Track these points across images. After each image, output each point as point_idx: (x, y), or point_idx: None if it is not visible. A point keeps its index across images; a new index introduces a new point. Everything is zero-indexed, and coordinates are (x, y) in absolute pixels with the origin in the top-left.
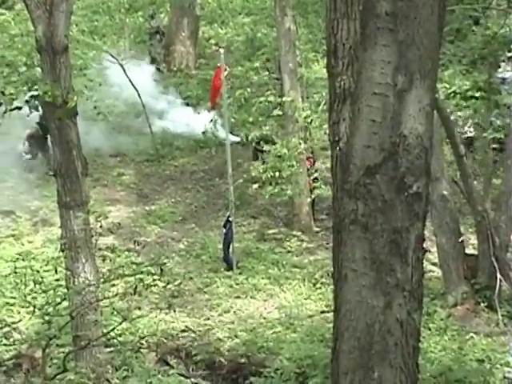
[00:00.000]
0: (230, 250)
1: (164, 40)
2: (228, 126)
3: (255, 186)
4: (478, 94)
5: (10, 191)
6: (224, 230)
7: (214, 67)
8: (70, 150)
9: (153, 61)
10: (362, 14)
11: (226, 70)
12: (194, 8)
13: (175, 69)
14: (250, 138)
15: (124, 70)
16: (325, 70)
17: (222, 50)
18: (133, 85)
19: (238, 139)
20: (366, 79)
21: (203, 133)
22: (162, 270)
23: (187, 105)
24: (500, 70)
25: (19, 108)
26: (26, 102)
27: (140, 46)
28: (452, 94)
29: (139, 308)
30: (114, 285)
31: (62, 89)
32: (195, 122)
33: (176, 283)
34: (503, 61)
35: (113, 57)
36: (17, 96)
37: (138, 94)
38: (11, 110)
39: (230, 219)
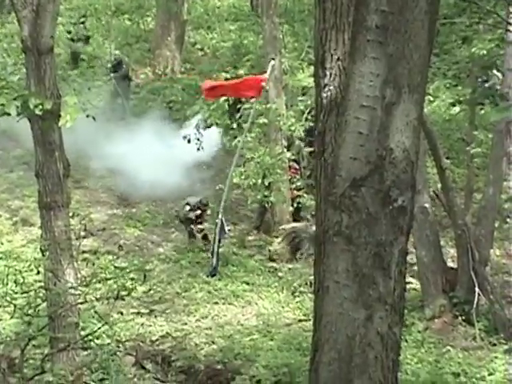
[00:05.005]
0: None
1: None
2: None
3: (236, 192)
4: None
5: None
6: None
7: (200, 72)
8: (53, 151)
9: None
10: (352, 26)
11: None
12: (181, 12)
13: (160, 73)
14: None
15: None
16: (310, 79)
17: (272, 62)
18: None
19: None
20: (354, 91)
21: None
22: (145, 276)
23: None
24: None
25: (8, 114)
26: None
27: (125, 48)
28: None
29: (121, 313)
30: (96, 289)
31: (47, 89)
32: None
33: (158, 289)
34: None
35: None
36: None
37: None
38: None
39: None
